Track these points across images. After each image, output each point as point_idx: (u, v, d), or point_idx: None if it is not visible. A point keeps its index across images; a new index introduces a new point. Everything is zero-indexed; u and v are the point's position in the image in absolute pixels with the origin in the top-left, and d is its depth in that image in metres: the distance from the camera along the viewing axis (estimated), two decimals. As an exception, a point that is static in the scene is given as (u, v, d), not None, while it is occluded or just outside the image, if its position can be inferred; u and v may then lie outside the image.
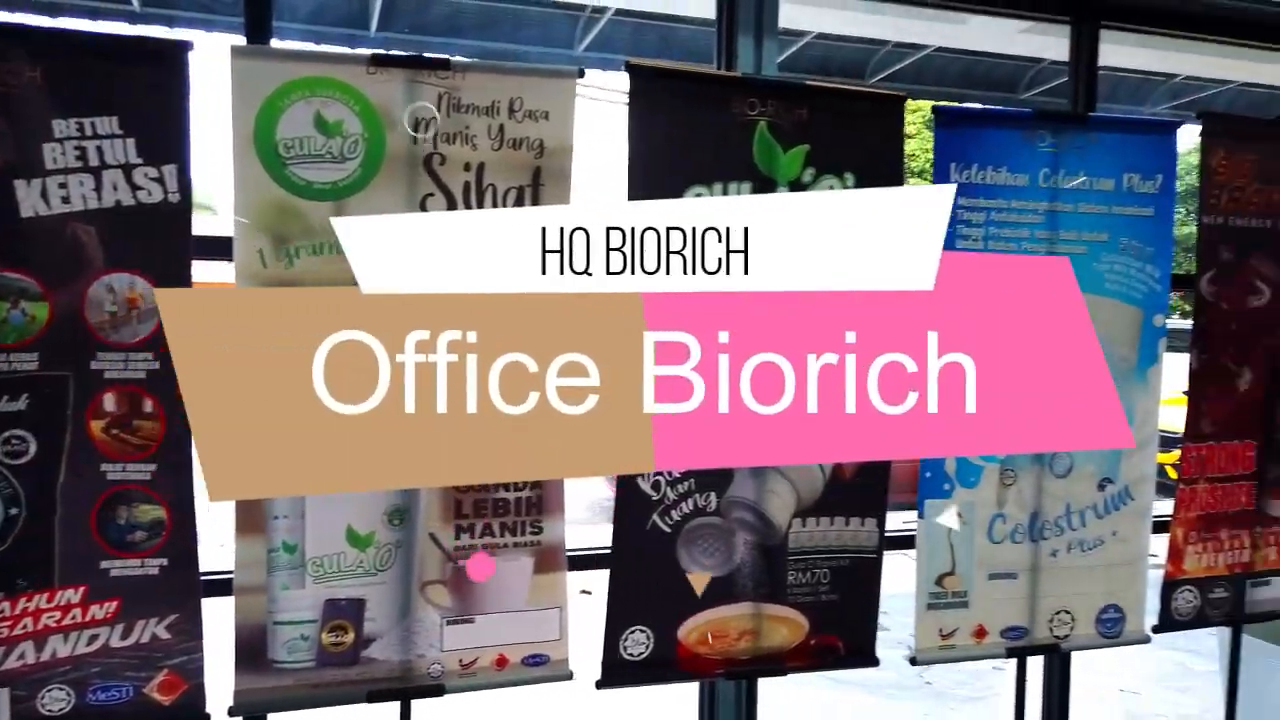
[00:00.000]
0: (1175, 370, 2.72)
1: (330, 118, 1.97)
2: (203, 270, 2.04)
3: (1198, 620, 2.71)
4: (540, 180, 2.12)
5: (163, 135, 1.89)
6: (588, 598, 2.59)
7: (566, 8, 4.82)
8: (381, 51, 2.05)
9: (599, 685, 2.23)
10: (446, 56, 2.05)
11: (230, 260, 1.96)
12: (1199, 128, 2.62)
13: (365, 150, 1.99)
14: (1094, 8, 3.20)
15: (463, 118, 2.06)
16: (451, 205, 2.06)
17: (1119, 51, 4.35)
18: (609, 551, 2.23)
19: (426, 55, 2.04)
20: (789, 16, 4.30)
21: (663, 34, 4.93)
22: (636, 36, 5.00)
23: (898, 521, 2.58)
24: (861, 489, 2.37)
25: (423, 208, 2.04)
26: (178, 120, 1.91)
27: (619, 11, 4.81)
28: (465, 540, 2.14)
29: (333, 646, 2.06)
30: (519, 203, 2.10)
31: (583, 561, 2.60)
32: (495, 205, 2.09)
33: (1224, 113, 2.66)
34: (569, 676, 2.22)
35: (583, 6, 4.82)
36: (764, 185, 2.25)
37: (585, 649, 2.26)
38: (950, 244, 2.40)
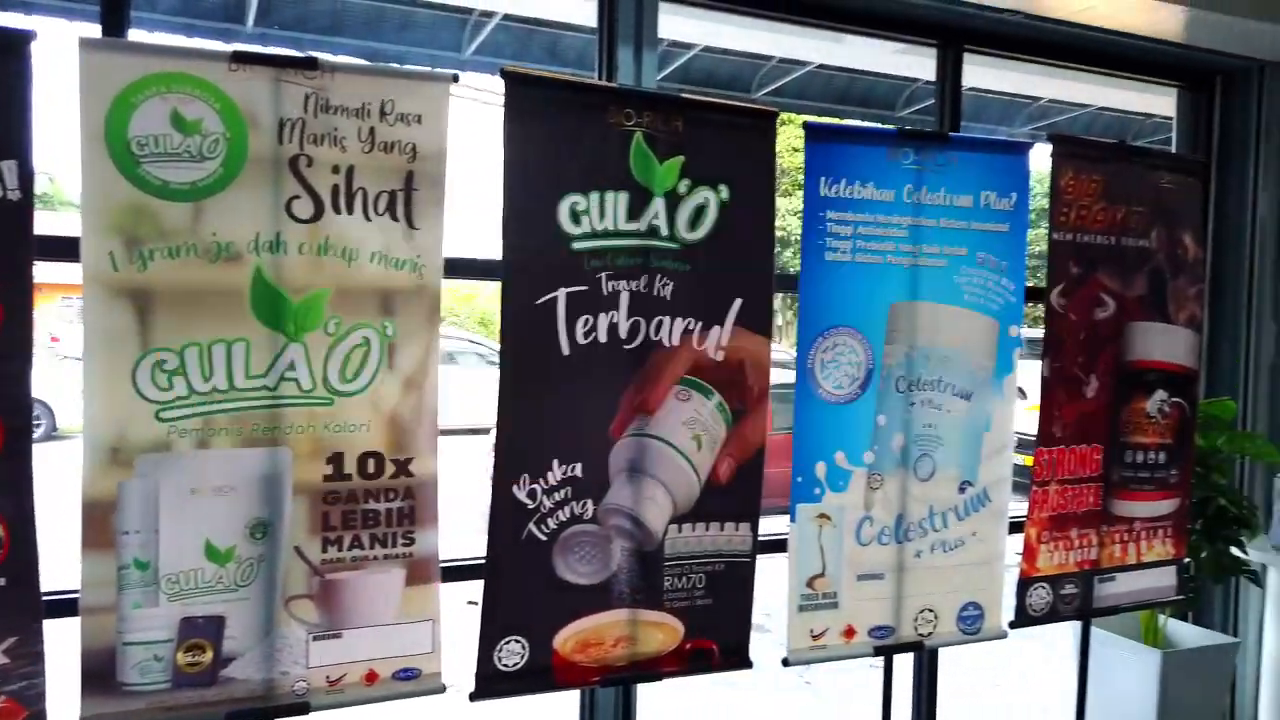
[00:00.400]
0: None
1: (188, 115, 1.89)
2: (49, 272, 1.93)
3: (1050, 616, 2.85)
4: (414, 185, 2.08)
5: (1, 129, 1.78)
6: (475, 609, 2.56)
7: (454, 11, 4.76)
8: (243, 48, 1.98)
9: (472, 697, 2.20)
10: (314, 55, 2.00)
11: (79, 262, 1.86)
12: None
13: (226, 150, 1.92)
14: (958, 33, 3.37)
15: (331, 119, 2.00)
16: (319, 208, 2.01)
17: (988, 75, 4.57)
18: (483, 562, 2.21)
19: (292, 54, 1.98)
20: (676, 29, 4.37)
21: (550, 41, 4.93)
22: (524, 43, 4.98)
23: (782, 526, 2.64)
24: (736, 495, 2.41)
25: (289, 210, 1.98)
26: (19, 113, 1.79)
27: (507, 17, 4.79)
28: (333, 553, 2.08)
29: (189, 667, 1.97)
30: (391, 207, 2.06)
31: (459, 572, 2.57)
32: (366, 209, 2.04)
33: (1072, 135, 2.80)
34: (442, 690, 2.18)
35: (470, 10, 4.77)
36: (640, 195, 2.26)
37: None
38: (820, 255, 2.50)
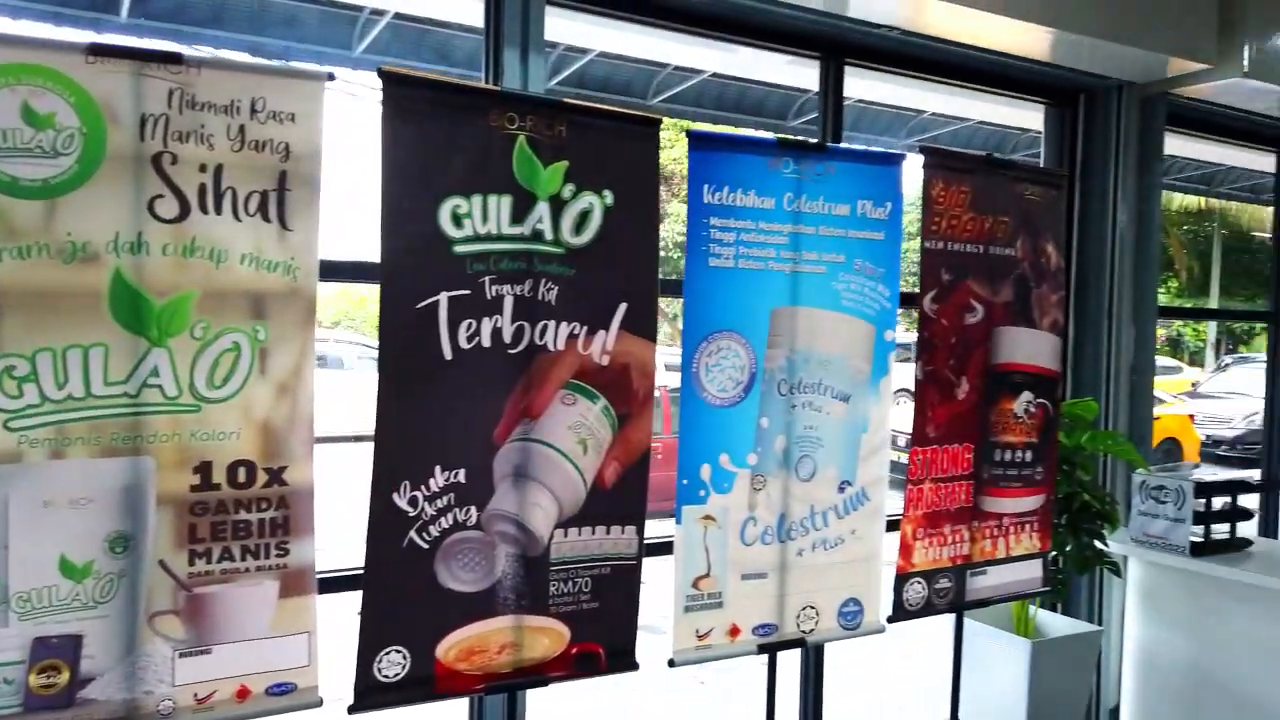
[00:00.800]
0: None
1: (40, 109, 1.79)
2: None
3: (926, 610, 2.95)
4: (286, 185, 2.02)
5: None
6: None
7: (343, 8, 4.65)
8: (111, 39, 1.90)
9: (351, 710, 2.15)
10: (178, 49, 1.92)
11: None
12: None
13: (82, 146, 1.83)
14: (839, 46, 3.46)
15: (198, 115, 1.93)
16: (184, 208, 1.93)
17: (874, 87, 4.72)
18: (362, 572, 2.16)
19: (155, 46, 1.90)
20: (570, 33, 4.37)
21: (442, 42, 4.87)
22: (416, 43, 4.91)
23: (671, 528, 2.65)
24: (622, 498, 2.41)
25: (151, 210, 1.90)
26: None
27: (398, 16, 4.70)
28: (201, 566, 2.00)
29: (43, 689, 1.86)
30: (262, 208, 2.00)
31: (341, 583, 2.51)
32: (235, 210, 1.98)
33: (942, 148, 2.92)
34: (319, 703, 2.12)
35: (360, 8, 4.67)
36: (524, 199, 2.25)
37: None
38: (704, 261, 2.54)
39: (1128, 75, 3.96)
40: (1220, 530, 3.59)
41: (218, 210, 1.96)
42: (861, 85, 4.37)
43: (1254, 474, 5.25)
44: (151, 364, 1.92)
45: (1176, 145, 5.05)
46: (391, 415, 2.14)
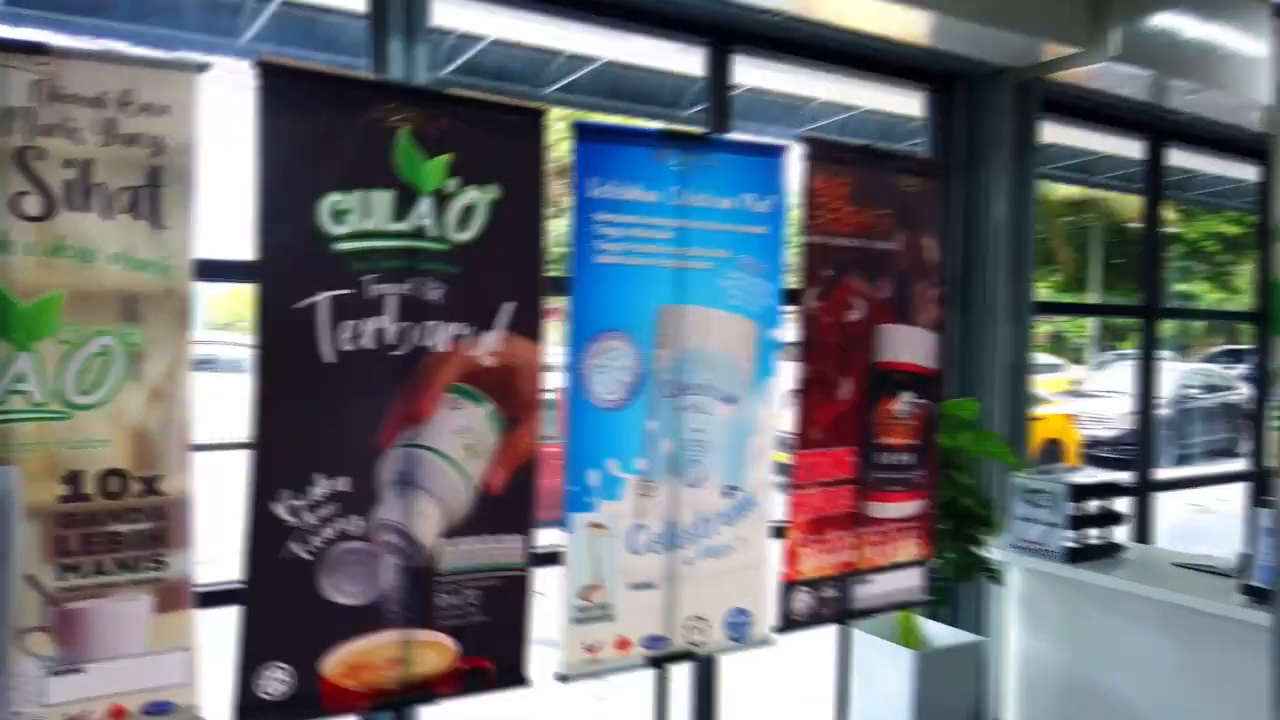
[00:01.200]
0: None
1: (-113, 100, 1.69)
2: None
3: (813, 619, 2.85)
4: (159, 181, 1.95)
5: None
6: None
7: (232, -8, 4.47)
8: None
9: (230, 729, 2.07)
10: (43, 40, 1.83)
11: None
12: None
13: (-65, 140, 1.73)
14: (725, 32, 3.44)
15: (64, 108, 1.85)
16: (50, 205, 1.85)
17: (766, 76, 4.73)
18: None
19: (17, 37, 1.81)
20: (461, 19, 4.28)
21: (332, 29, 4.73)
22: (306, 31, 4.76)
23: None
24: (509, 506, 2.36)
25: (14, 207, 1.81)
26: None
27: (286, 4, 4.55)
28: (72, 580, 1.91)
29: (-104, 715, 1.76)
30: (134, 205, 1.93)
31: (226, 597, 2.41)
32: (106, 206, 1.90)
33: (822, 137, 2.85)
34: (201, 721, 2.05)
35: (250, -7, 4.49)
36: (406, 194, 2.20)
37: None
38: (591, 257, 2.48)
39: (1004, 59, 3.96)
40: (1094, 535, 3.56)
41: (86, 207, 1.89)
42: (752, 73, 4.37)
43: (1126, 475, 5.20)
44: (17, 369, 1.83)
45: (1055, 134, 5.13)
46: (269, 420, 2.06)
